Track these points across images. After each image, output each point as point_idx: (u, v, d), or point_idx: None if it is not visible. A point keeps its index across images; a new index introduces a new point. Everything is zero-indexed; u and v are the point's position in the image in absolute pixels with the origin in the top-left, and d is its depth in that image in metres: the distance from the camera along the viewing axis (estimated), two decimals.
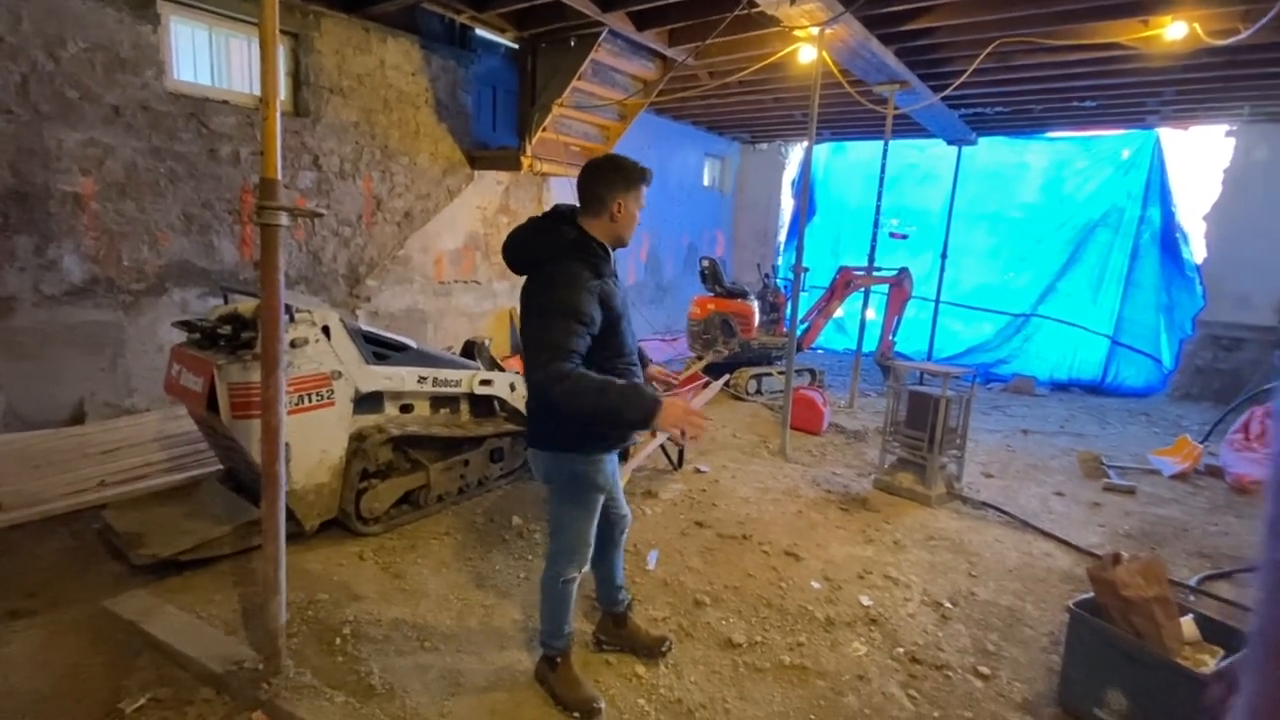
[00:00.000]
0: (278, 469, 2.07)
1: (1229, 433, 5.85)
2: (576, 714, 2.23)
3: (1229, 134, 7.99)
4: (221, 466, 3.66)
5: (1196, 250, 8.35)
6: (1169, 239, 8.48)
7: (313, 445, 3.16)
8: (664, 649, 2.58)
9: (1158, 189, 8.48)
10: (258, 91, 5.05)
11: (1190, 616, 2.42)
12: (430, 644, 2.55)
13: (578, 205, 2.18)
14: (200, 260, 4.82)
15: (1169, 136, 8.40)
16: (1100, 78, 6.26)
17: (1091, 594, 2.42)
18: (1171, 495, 4.82)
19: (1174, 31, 4.62)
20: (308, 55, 5.23)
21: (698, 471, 4.68)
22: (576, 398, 1.92)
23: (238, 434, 2.95)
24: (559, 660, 2.33)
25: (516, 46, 6.28)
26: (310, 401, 3.11)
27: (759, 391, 7.20)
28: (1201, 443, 5.69)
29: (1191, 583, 3.42)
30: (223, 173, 4.84)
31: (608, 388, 1.93)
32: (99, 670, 2.35)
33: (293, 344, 3.02)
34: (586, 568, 2.32)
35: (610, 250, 2.17)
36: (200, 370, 3.02)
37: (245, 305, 3.28)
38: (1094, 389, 8.78)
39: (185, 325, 3.27)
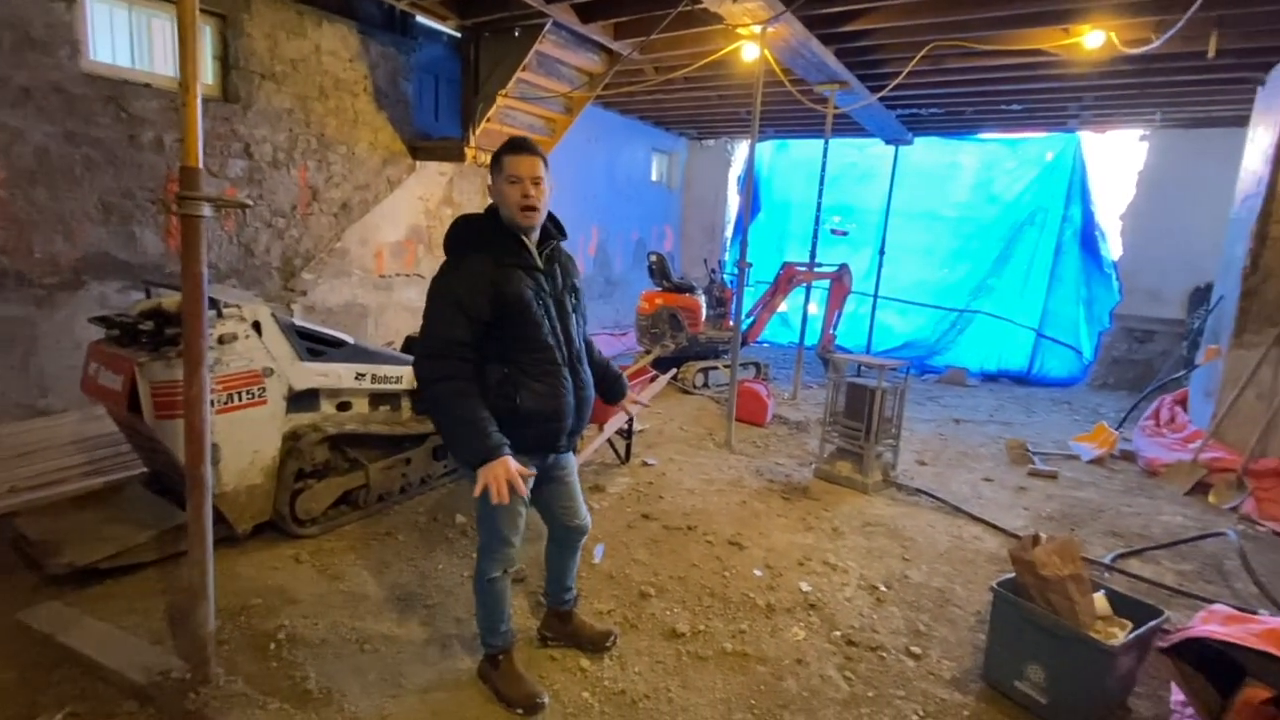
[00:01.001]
0: (203, 471, 1.99)
1: (1141, 419, 6.24)
2: (520, 710, 2.23)
3: (1143, 138, 8.50)
4: (146, 469, 3.49)
5: (1113, 248, 8.87)
6: (1089, 237, 8.98)
7: (244, 445, 3.05)
8: (609, 644, 2.59)
9: (1079, 189, 8.96)
10: None
11: (1102, 592, 2.58)
12: (370, 646, 2.50)
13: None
14: (121, 252, 4.56)
15: (1089, 140, 8.88)
16: (1026, 82, 6.56)
17: (1014, 574, 2.56)
18: (1089, 479, 5.13)
19: (1092, 40, 4.88)
20: (237, 38, 5.00)
21: (645, 465, 4.72)
22: (436, 405, 1.94)
23: (162, 435, 2.81)
24: (500, 658, 2.32)
25: (459, 35, 6.16)
26: (240, 400, 3.00)
27: (706, 385, 7.29)
28: (1117, 429, 6.06)
29: (1105, 560, 3.65)
30: (145, 160, 4.59)
31: (455, 415, 1.92)
32: (11, 686, 2.21)
33: (220, 340, 2.90)
34: (515, 566, 2.29)
35: (525, 237, 2.09)
36: (120, 368, 2.87)
37: (169, 300, 3.13)
38: (1021, 379, 9.23)
39: (103, 321, 3.10)
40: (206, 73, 4.98)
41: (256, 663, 2.36)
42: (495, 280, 2.00)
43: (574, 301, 2.23)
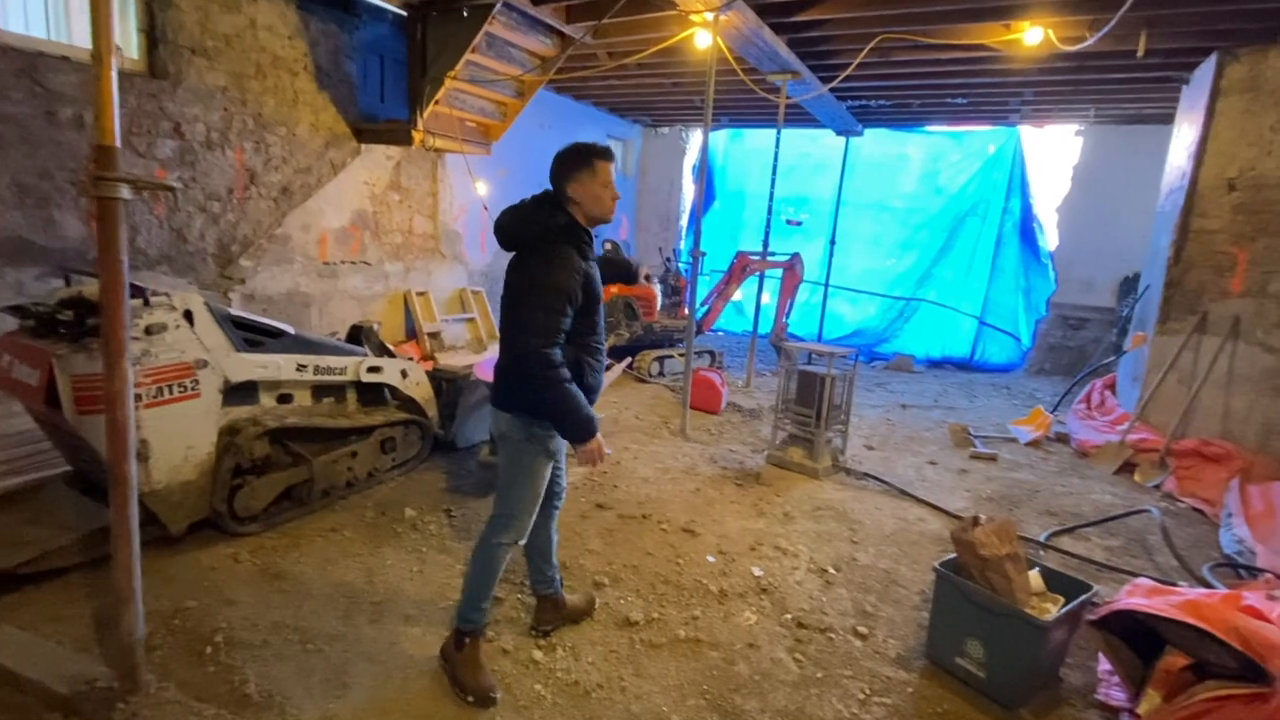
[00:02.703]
0: (127, 469, 1.88)
1: (1074, 403, 6.54)
2: (471, 698, 2.21)
3: (1078, 133, 8.84)
4: (68, 467, 3.30)
5: (1050, 238, 9.23)
6: (1027, 228, 9.32)
7: (176, 441, 2.91)
8: (594, 605, 2.78)
9: (1019, 182, 9.28)
10: None
11: (1037, 570, 2.69)
12: (314, 646, 2.42)
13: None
14: (38, 237, 4.27)
15: (1029, 134, 9.19)
16: (970, 76, 6.73)
17: (955, 555, 2.64)
18: (1026, 461, 5.35)
19: (1031, 36, 5.03)
20: (164, 10, 4.71)
21: None
22: (547, 389, 2.11)
23: (85, 431, 2.66)
24: (468, 641, 2.31)
25: (404, 14, 5.95)
26: (172, 393, 2.85)
27: (661, 373, 7.30)
28: (1052, 413, 6.34)
29: (1041, 538, 3.82)
30: (64, 138, 4.30)
31: (571, 401, 2.14)
32: None
33: (148, 331, 2.75)
34: (523, 540, 2.35)
35: (592, 234, 2.27)
36: (36, 361, 2.69)
37: (91, 288, 2.94)
38: (964, 365, 9.55)
39: (16, 310, 2.90)
40: (130, 46, 4.69)
41: (192, 668, 2.26)
42: (586, 272, 2.20)
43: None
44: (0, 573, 2.57)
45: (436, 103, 5.79)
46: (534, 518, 2.36)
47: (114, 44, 1.73)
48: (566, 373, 2.13)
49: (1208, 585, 3.27)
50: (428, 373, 4.31)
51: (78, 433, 2.71)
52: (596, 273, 2.28)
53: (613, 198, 2.25)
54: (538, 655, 2.49)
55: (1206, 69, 5.34)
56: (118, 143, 1.75)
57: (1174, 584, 3.28)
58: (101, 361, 2.50)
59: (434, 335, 6.87)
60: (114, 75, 1.72)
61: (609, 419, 5.62)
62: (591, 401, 2.29)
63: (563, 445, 2.38)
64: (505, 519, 2.31)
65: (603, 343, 2.38)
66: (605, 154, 2.22)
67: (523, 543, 2.36)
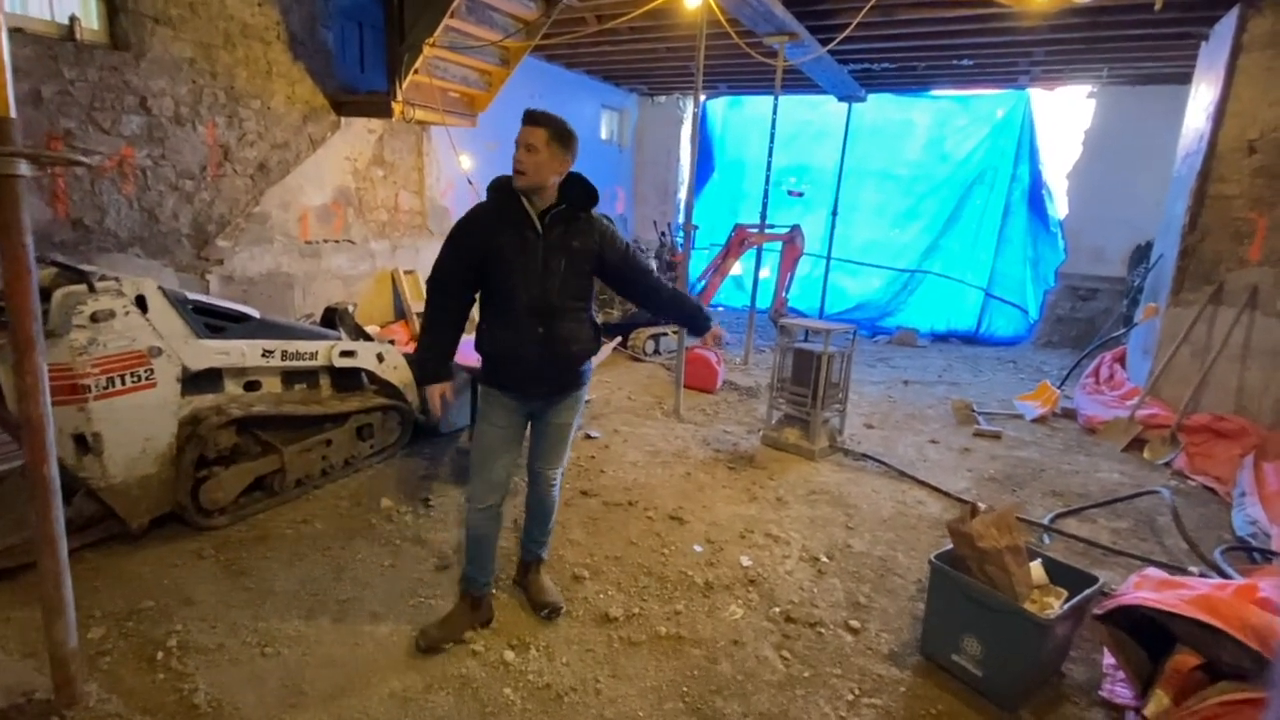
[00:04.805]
0: (47, 470, 1.74)
1: (1082, 377, 6.33)
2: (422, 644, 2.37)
3: (1090, 96, 8.49)
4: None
5: (1059, 207, 8.93)
6: (1036, 196, 9.01)
7: (132, 433, 2.77)
8: (544, 613, 2.60)
9: (1027, 148, 8.95)
10: (60, 18, 4.33)
11: (1039, 561, 2.54)
12: (272, 649, 2.30)
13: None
14: None
15: (1038, 97, 8.84)
16: (978, 35, 6.41)
17: (952, 545, 2.49)
18: (1032, 438, 5.17)
19: None
20: None
21: (588, 438, 4.56)
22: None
23: None
24: (461, 597, 2.53)
25: None
26: (124, 383, 2.70)
27: (657, 351, 7.14)
28: (1059, 387, 6.14)
29: (1045, 521, 3.67)
30: (18, 115, 4.10)
31: (422, 334, 2.39)
32: None
33: (94, 318, 2.59)
34: (492, 502, 2.39)
35: (525, 198, 2.25)
36: None
37: (42, 274, 2.78)
38: (969, 339, 9.33)
39: None
40: (90, 16, 4.46)
41: (141, 675, 2.14)
42: (487, 229, 2.27)
43: (566, 261, 2.29)
44: None
45: (416, 72, 5.54)
46: (491, 482, 2.38)
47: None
48: (436, 315, 2.36)
49: (1220, 570, 3.11)
50: (407, 356, 4.15)
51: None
52: (512, 235, 2.24)
53: (516, 159, 2.23)
54: (509, 656, 2.36)
55: (1227, 23, 5.03)
56: (12, 112, 1.58)
57: (1185, 570, 3.13)
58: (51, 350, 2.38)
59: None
60: (3, 35, 1.54)
61: (600, 400, 5.47)
62: (515, 372, 2.33)
63: (553, 421, 2.48)
64: (470, 474, 2.45)
65: (509, 308, 2.29)
66: (525, 117, 2.24)
67: (481, 506, 2.40)
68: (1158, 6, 4.76)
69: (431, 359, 2.38)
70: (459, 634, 2.42)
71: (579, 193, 2.32)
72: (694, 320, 2.71)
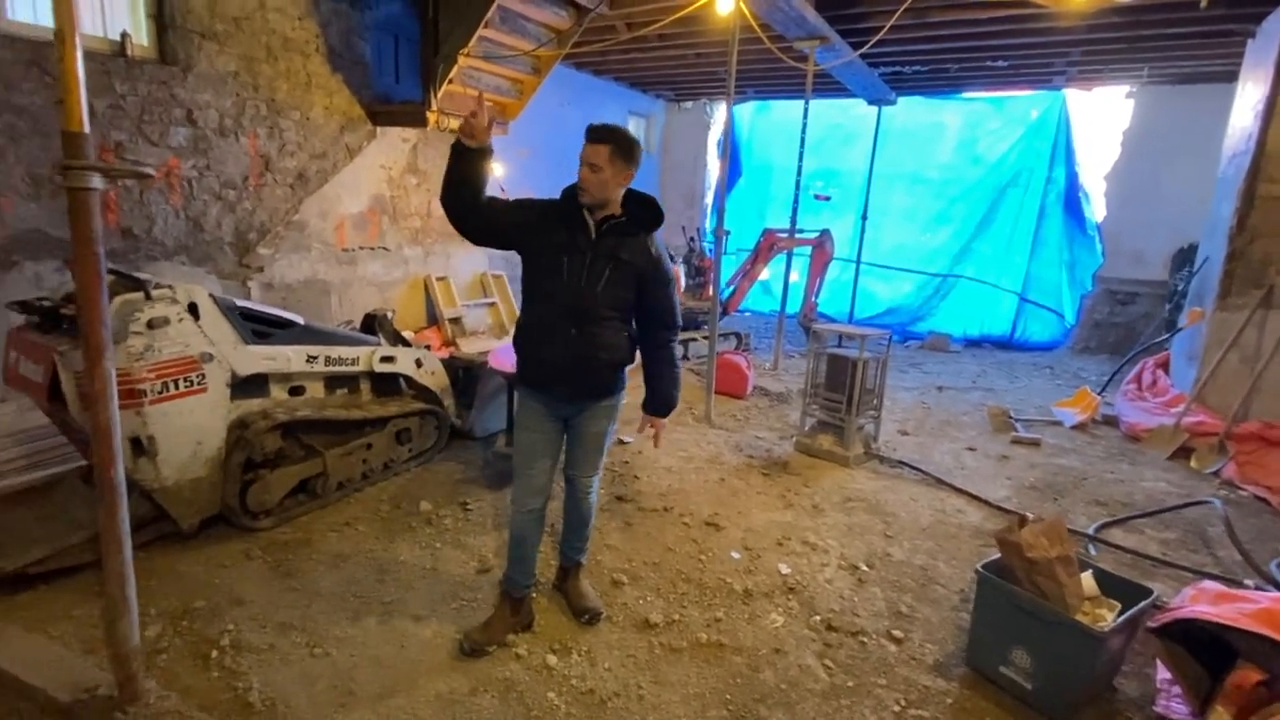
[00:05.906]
0: (114, 474, 1.79)
1: (1123, 384, 6.18)
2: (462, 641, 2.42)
3: (1129, 95, 8.31)
4: (84, 462, 3.27)
5: (1097, 209, 8.74)
6: (1072, 198, 8.83)
7: (184, 436, 2.84)
8: (586, 619, 2.61)
9: (1063, 149, 8.78)
10: (112, 35, 4.48)
11: (1090, 572, 2.48)
12: (321, 650, 2.34)
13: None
14: (56, 229, 4.25)
15: (1074, 98, 8.67)
16: (1012, 37, 6.32)
17: (998, 554, 2.45)
18: (1072, 445, 5.06)
19: None
20: None
21: (621, 443, 4.57)
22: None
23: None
24: (502, 599, 2.53)
25: None
26: (177, 388, 2.78)
27: (686, 357, 7.13)
28: (1099, 394, 6.00)
29: (1090, 531, 3.58)
30: None
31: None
32: None
33: (150, 325, 2.67)
34: (535, 506, 2.43)
35: (585, 211, 2.30)
36: (40, 357, 2.64)
37: None
38: (1004, 344, 9.16)
39: (21, 306, 2.85)
40: (140, 33, 4.62)
41: (196, 673, 2.19)
42: (546, 216, 2.32)
43: (610, 271, 2.30)
44: (12, 573, 2.54)
45: (450, 81, 5.64)
46: (532, 484, 2.42)
47: (77, 23, 1.60)
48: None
49: (1277, 583, 3.01)
50: (443, 361, 4.21)
51: (85, 428, 2.66)
52: (564, 236, 2.28)
53: (580, 175, 2.28)
54: (552, 660, 2.38)
55: (1276, 20, 4.89)
56: (86, 128, 1.64)
57: (1240, 583, 3.04)
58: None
59: (455, 321, 6.79)
60: (79, 55, 1.60)
61: (631, 404, 5.46)
62: (542, 372, 2.36)
63: (588, 427, 2.49)
64: (514, 476, 2.49)
65: (548, 308, 2.32)
66: (588, 134, 2.28)
67: (523, 510, 2.44)
68: (1204, 4, 4.65)
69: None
70: (501, 637, 2.44)
71: (646, 215, 2.37)
72: (662, 395, 2.62)
